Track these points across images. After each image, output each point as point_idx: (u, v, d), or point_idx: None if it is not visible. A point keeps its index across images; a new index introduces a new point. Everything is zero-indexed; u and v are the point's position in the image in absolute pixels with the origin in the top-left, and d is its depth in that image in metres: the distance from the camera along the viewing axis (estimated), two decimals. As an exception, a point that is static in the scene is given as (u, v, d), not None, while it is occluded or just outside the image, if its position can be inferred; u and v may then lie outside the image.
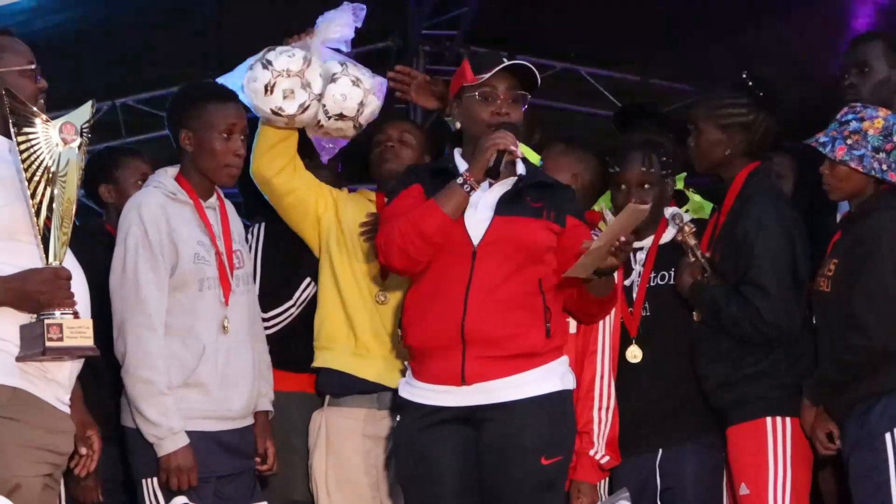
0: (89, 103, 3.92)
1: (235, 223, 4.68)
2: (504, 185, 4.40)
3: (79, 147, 3.85)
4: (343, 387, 4.94)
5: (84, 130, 3.87)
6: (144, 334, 4.34)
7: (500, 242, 4.33)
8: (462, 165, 4.40)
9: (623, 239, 4.22)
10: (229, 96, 4.62)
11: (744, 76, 4.81)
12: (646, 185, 4.81)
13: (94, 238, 4.88)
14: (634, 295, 4.84)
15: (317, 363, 5.01)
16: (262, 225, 5.25)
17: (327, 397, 5.02)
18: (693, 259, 4.72)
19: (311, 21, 4.90)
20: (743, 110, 4.76)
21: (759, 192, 4.72)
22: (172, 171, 4.57)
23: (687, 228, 4.74)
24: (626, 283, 4.86)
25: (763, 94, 4.78)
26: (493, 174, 4.28)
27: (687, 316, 4.77)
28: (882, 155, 4.52)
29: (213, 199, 4.58)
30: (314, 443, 4.97)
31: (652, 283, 4.84)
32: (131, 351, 4.34)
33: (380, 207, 4.95)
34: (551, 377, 4.33)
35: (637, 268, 4.88)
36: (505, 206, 4.38)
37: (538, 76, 4.39)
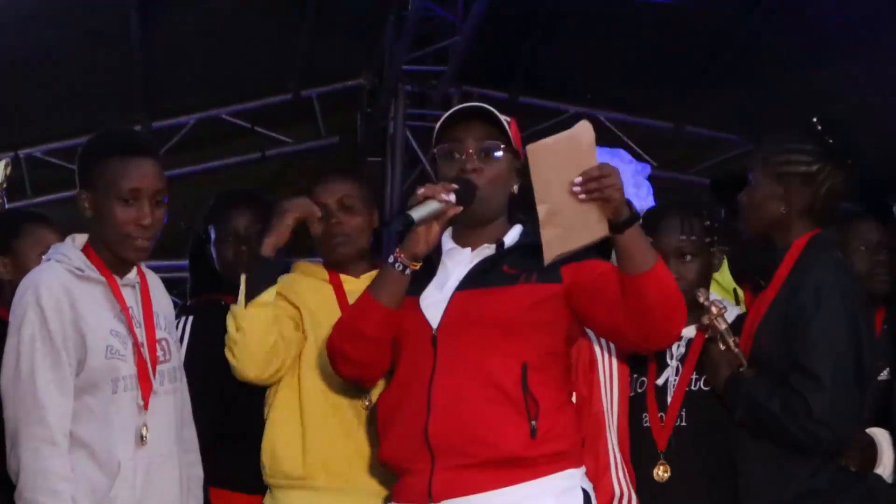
0: (2, 163, 3.76)
1: (162, 304, 4.54)
2: (480, 255, 4.35)
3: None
4: None
5: (-1, 193, 3.60)
6: (43, 449, 4.21)
7: (464, 322, 4.25)
8: (447, 243, 4.40)
9: (593, 175, 3.93)
10: (138, 150, 4.45)
11: (814, 119, 4.69)
12: (686, 256, 4.78)
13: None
14: (669, 398, 4.72)
15: None
16: (190, 320, 5.18)
17: None
18: (724, 347, 4.60)
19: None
20: (806, 158, 4.65)
21: (821, 264, 4.62)
22: (81, 239, 4.42)
23: (715, 309, 4.61)
24: (659, 382, 4.74)
25: (833, 140, 4.66)
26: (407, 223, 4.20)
27: (731, 427, 4.63)
28: None
29: (132, 275, 4.41)
30: None
31: (693, 387, 4.72)
32: (27, 469, 4.20)
33: (337, 288, 4.97)
34: (542, 495, 4.19)
35: (673, 363, 4.77)
36: (472, 278, 4.31)
37: (501, 118, 4.28)
